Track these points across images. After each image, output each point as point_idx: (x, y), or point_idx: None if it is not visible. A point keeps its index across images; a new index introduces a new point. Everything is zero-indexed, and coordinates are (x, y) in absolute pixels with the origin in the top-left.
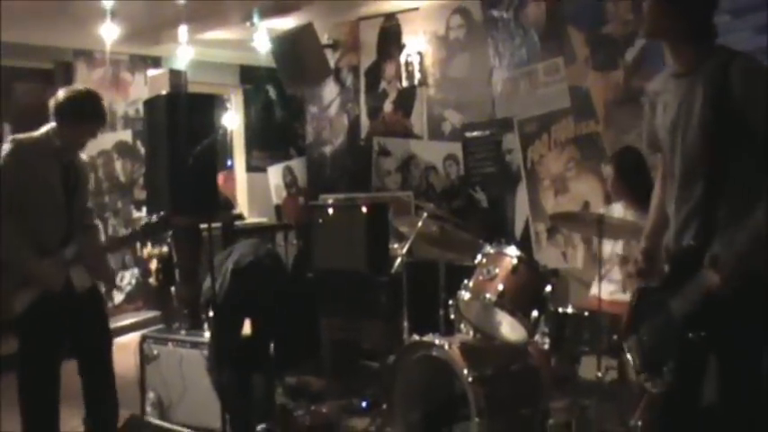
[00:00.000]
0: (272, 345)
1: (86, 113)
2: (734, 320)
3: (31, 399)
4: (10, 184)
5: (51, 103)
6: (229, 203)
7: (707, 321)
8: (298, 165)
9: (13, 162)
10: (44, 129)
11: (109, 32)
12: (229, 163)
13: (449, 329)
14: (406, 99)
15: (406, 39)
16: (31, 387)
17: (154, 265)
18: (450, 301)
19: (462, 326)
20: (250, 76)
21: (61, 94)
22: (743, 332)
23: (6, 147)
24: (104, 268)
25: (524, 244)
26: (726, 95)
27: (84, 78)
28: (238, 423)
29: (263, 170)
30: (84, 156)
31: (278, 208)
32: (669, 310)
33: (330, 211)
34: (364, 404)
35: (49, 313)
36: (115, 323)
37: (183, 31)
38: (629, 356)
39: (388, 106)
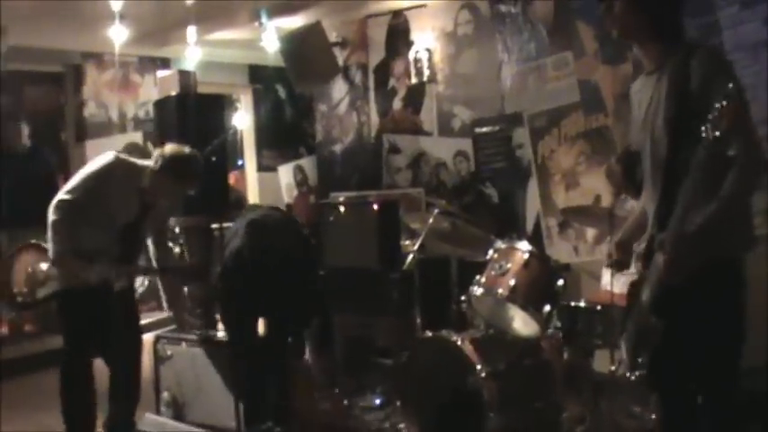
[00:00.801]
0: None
1: (184, 176)
2: (694, 305)
3: (65, 385)
4: (90, 189)
5: (157, 153)
6: (241, 202)
7: (666, 307)
8: (308, 163)
9: (103, 175)
10: (144, 163)
11: (118, 34)
12: (240, 162)
13: (461, 325)
14: (416, 96)
15: (414, 35)
16: (67, 374)
17: None
18: (463, 297)
19: (475, 321)
20: (259, 76)
21: (168, 150)
22: (704, 317)
23: (107, 159)
24: None
25: (536, 239)
26: (687, 88)
27: (94, 80)
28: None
29: (274, 169)
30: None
31: (289, 207)
32: (639, 301)
33: (341, 209)
34: (378, 401)
35: (81, 305)
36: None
37: (191, 31)
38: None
39: (397, 103)
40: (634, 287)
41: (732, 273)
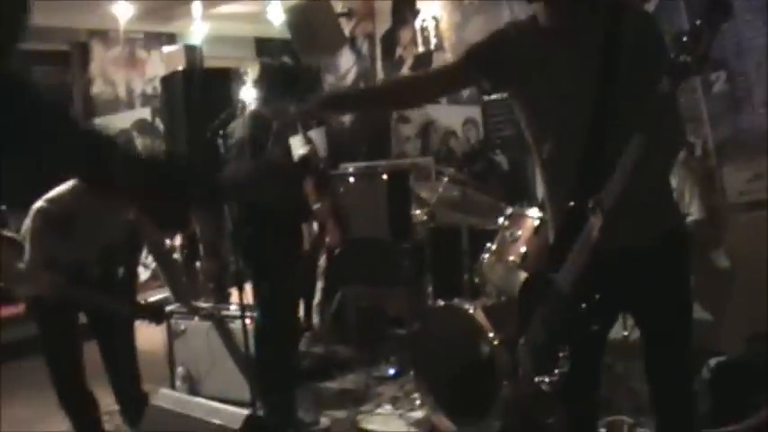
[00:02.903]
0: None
1: (166, 224)
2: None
3: (53, 374)
4: (74, 204)
5: None
6: None
7: (601, 282)
8: (317, 135)
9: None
10: None
11: (123, 11)
12: None
13: (473, 293)
14: (423, 65)
15: (420, 4)
16: (52, 363)
17: (178, 240)
18: (474, 265)
19: (486, 289)
20: (266, 49)
21: None
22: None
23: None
24: None
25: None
26: (626, 52)
27: (101, 58)
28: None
29: None
30: None
31: None
32: (556, 289)
33: (351, 179)
34: (392, 371)
35: (53, 316)
36: (142, 301)
37: (196, 6)
38: (519, 369)
39: (405, 72)
40: (528, 285)
41: (682, 242)
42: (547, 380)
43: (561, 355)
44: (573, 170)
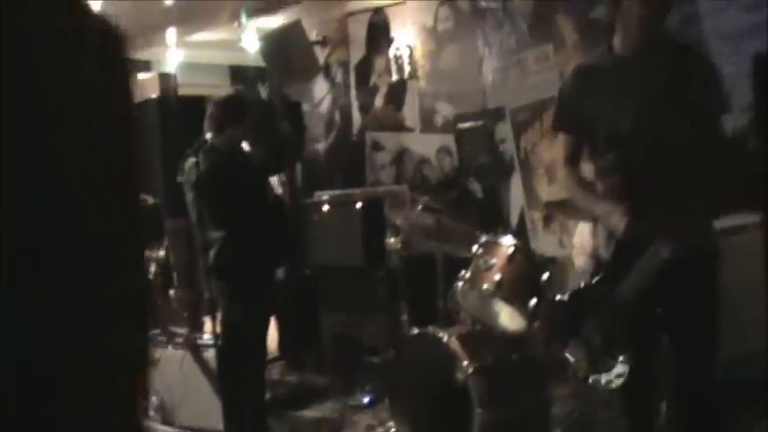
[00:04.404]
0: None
1: None
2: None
3: None
4: None
5: None
6: None
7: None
8: None
9: None
10: None
11: None
12: None
13: (448, 321)
14: (397, 93)
15: (394, 32)
16: None
17: (151, 268)
18: (449, 293)
19: (461, 317)
20: (240, 77)
21: None
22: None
23: None
24: None
25: (520, 233)
26: (684, 85)
27: None
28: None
29: None
30: None
31: None
32: (617, 297)
33: (325, 207)
34: (367, 399)
35: None
36: None
37: (170, 33)
38: (574, 364)
39: (379, 100)
40: (577, 296)
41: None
42: (604, 379)
43: (622, 358)
44: (634, 186)
